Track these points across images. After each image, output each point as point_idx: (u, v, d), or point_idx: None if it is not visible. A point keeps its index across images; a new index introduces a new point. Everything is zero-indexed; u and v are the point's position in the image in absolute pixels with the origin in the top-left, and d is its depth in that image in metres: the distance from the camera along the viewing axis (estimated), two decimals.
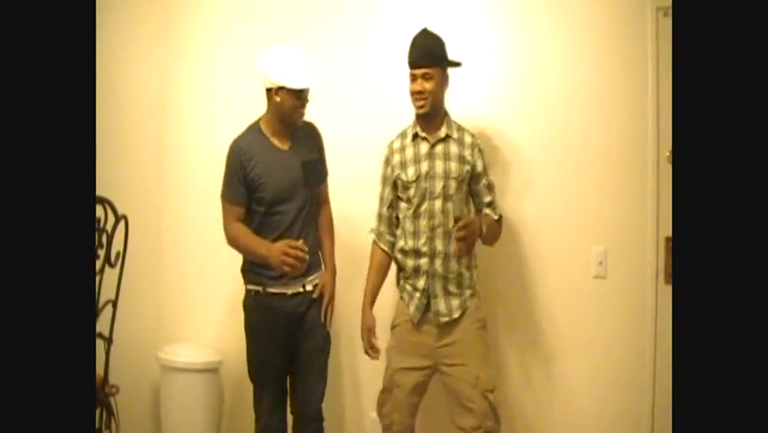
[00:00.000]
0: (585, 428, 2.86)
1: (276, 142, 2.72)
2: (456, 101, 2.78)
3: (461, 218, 2.44)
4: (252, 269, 2.73)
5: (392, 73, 3.02)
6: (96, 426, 2.18)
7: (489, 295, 2.84)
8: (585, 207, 2.88)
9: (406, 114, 2.73)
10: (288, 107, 2.66)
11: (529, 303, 2.94)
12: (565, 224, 2.90)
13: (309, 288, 2.73)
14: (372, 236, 2.76)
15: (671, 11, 2.68)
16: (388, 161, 2.73)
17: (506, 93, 2.99)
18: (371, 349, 2.70)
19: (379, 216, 2.75)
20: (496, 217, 2.65)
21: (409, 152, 2.66)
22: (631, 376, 2.80)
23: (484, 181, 2.66)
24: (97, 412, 2.19)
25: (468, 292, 2.59)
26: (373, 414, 3.12)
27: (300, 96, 2.66)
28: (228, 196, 2.72)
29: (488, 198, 2.67)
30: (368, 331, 2.70)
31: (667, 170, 2.74)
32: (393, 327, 2.68)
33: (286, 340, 2.72)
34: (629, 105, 2.83)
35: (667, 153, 2.75)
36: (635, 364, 2.79)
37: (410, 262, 2.61)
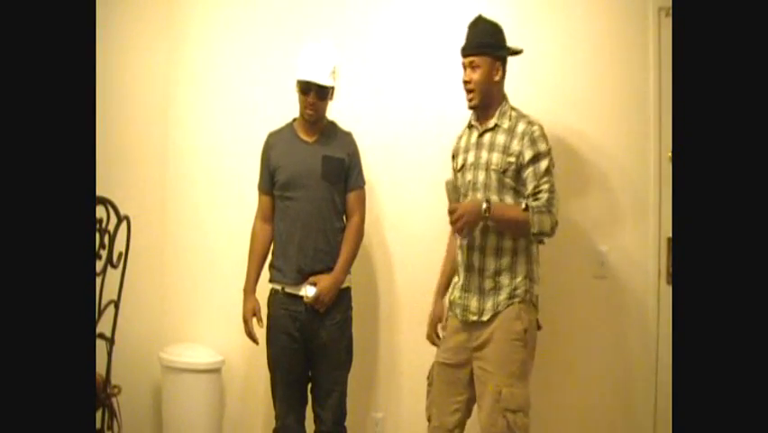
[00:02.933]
0: (586, 429, 2.85)
1: (302, 135, 2.82)
2: (456, 102, 2.78)
3: (452, 211, 2.35)
4: (276, 265, 2.80)
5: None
6: (98, 426, 2.18)
7: None
8: (586, 207, 2.88)
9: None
10: (299, 101, 2.76)
11: None
12: (566, 224, 2.90)
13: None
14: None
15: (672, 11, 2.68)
16: (453, 148, 2.68)
17: (507, 93, 2.99)
18: (431, 338, 2.67)
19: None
20: (522, 207, 2.37)
21: (463, 141, 2.59)
22: (632, 376, 2.80)
23: (530, 169, 2.39)
24: (99, 413, 2.19)
25: (504, 296, 2.40)
26: (376, 414, 3.14)
27: (306, 90, 2.71)
28: (259, 185, 2.89)
29: (529, 187, 2.39)
30: (432, 318, 2.67)
31: (668, 171, 2.75)
32: (444, 320, 2.64)
33: (301, 343, 2.74)
34: (631, 106, 2.83)
35: (669, 154, 2.75)
36: (637, 364, 2.79)
37: (459, 256, 2.53)
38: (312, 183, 2.74)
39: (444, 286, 2.69)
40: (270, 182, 2.82)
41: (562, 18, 2.93)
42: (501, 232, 2.41)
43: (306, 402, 2.83)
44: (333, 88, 2.78)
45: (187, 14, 3.55)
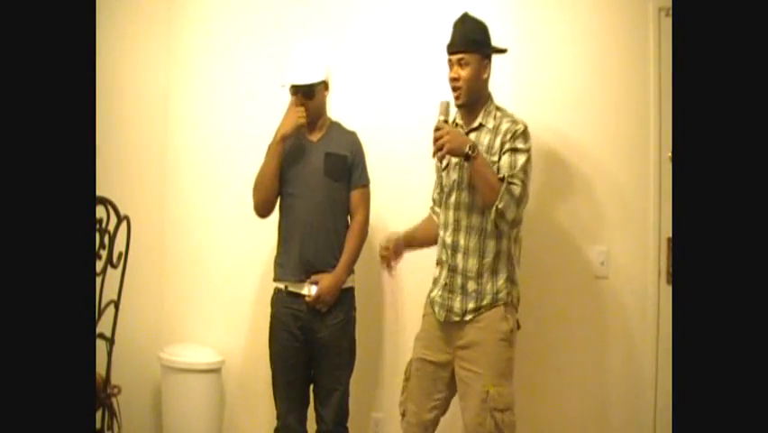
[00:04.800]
0: (586, 429, 2.85)
1: (307, 134, 2.82)
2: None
3: (446, 121, 2.33)
4: (279, 262, 2.80)
5: (401, 69, 3.04)
6: (98, 426, 2.18)
7: None
8: (586, 208, 2.88)
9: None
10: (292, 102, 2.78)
11: (531, 303, 2.93)
12: (567, 224, 2.90)
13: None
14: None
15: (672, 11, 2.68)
16: None
17: (507, 93, 2.98)
18: (388, 265, 2.63)
19: (433, 200, 2.69)
20: (499, 175, 2.33)
21: None
22: (632, 376, 2.80)
23: (508, 158, 2.36)
24: (99, 413, 2.19)
25: (488, 299, 2.41)
26: (376, 414, 3.13)
27: (294, 93, 2.75)
28: None
29: (504, 173, 2.34)
30: (387, 241, 2.62)
31: (669, 171, 2.74)
32: (423, 316, 2.61)
33: (302, 342, 2.74)
34: (631, 106, 2.83)
35: (669, 154, 2.74)
36: (637, 365, 2.79)
37: (441, 254, 2.52)
38: (315, 181, 2.75)
39: (413, 233, 2.67)
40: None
41: (562, 18, 2.93)
42: (484, 234, 2.40)
43: (308, 402, 2.82)
44: (323, 82, 2.78)
45: (186, 14, 3.55)
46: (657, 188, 2.78)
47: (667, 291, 2.73)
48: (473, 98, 2.47)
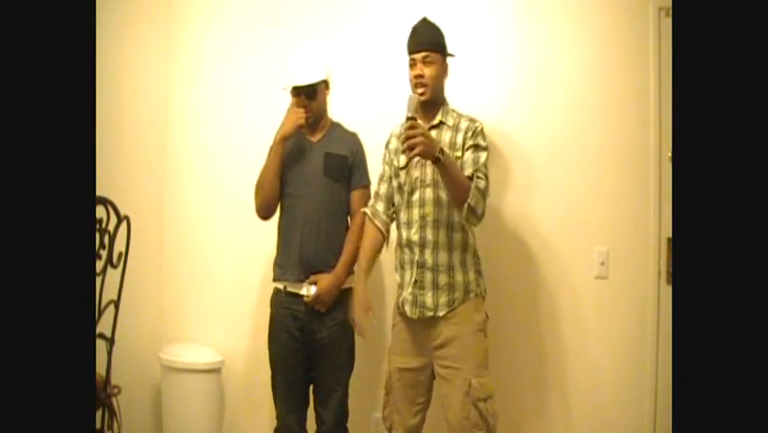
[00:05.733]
0: (586, 429, 2.86)
1: (308, 135, 2.83)
2: (457, 101, 2.78)
3: (414, 118, 2.31)
4: (279, 263, 2.79)
5: (395, 65, 3.03)
6: (98, 426, 2.18)
7: (491, 295, 2.84)
8: (587, 208, 2.88)
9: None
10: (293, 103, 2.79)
11: (531, 303, 2.94)
12: (567, 224, 2.91)
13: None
14: (368, 213, 2.67)
15: (672, 11, 2.68)
16: (387, 145, 2.70)
17: (508, 94, 2.99)
18: (362, 327, 2.61)
19: (376, 195, 2.69)
20: (465, 172, 2.42)
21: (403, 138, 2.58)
22: (633, 377, 2.80)
23: (470, 155, 2.45)
24: (99, 413, 2.19)
25: (459, 292, 2.46)
26: (377, 414, 3.13)
27: (295, 95, 2.75)
28: None
29: (468, 170, 2.43)
30: (362, 303, 2.59)
31: (669, 171, 2.75)
32: (392, 327, 2.66)
33: (302, 342, 2.74)
34: (631, 106, 2.84)
35: (669, 154, 2.75)
36: (637, 365, 2.79)
37: (405, 255, 2.54)
38: (315, 181, 2.75)
39: (368, 269, 2.65)
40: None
41: (562, 19, 2.93)
42: (450, 228, 2.45)
43: (308, 403, 2.82)
44: (324, 82, 2.78)
45: (185, 14, 3.55)
46: (657, 188, 2.78)
47: (667, 291, 2.73)
48: (435, 97, 2.55)
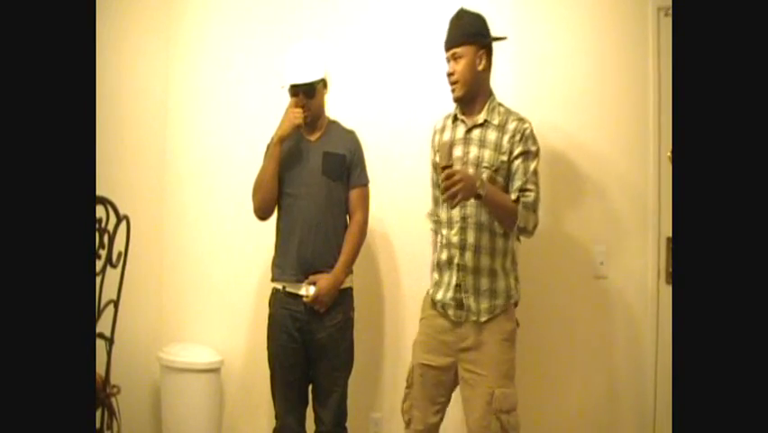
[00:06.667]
0: (587, 428, 2.86)
1: (306, 134, 2.82)
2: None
3: (450, 166, 2.22)
4: (278, 263, 2.79)
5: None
6: (98, 426, 2.18)
7: None
8: (586, 207, 2.89)
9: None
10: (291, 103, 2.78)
11: (530, 303, 2.93)
12: (566, 223, 2.91)
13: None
14: (430, 223, 2.63)
15: (672, 11, 2.68)
16: (432, 142, 2.61)
17: (508, 93, 2.98)
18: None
19: (434, 199, 2.61)
20: (513, 197, 2.34)
21: (447, 135, 2.50)
22: (632, 376, 2.80)
23: (521, 165, 2.36)
24: (99, 412, 2.19)
25: (501, 298, 2.39)
26: (375, 414, 3.14)
27: (293, 93, 2.75)
28: None
29: (518, 183, 2.36)
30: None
31: (668, 170, 2.75)
32: (420, 320, 2.58)
33: (300, 342, 2.74)
34: (630, 106, 2.84)
35: (668, 153, 2.75)
36: (637, 364, 2.80)
37: (443, 255, 2.47)
38: (314, 181, 2.74)
39: None
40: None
41: (562, 18, 2.94)
42: (493, 231, 2.39)
43: (307, 403, 2.82)
44: (323, 81, 2.78)
45: (185, 14, 3.55)
46: (657, 187, 2.79)
47: (667, 291, 2.74)
48: (471, 91, 2.44)
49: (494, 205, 2.31)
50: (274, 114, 2.93)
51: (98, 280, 2.05)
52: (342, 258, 2.74)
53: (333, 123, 2.87)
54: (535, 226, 2.38)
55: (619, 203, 2.84)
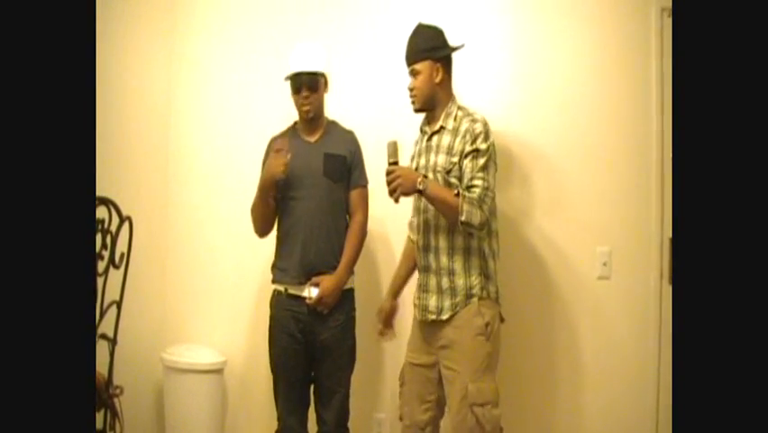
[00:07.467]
0: (589, 429, 2.85)
1: (304, 135, 2.82)
2: (458, 99, 2.78)
3: (395, 163, 2.40)
4: (279, 265, 2.79)
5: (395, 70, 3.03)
6: (100, 427, 2.18)
7: None
8: (589, 208, 2.88)
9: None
10: (294, 103, 2.78)
11: (533, 304, 2.93)
12: (569, 224, 2.90)
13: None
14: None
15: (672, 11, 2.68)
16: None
17: (508, 94, 2.99)
18: (381, 332, 2.81)
19: (409, 225, 2.77)
20: (455, 191, 2.37)
21: (417, 146, 2.65)
22: (635, 377, 2.80)
23: (468, 163, 2.41)
24: (101, 413, 2.20)
25: (461, 296, 2.43)
26: (378, 414, 3.14)
27: (297, 86, 2.75)
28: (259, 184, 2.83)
29: (465, 180, 2.40)
30: (380, 313, 2.79)
31: (670, 171, 2.74)
32: (413, 319, 2.67)
33: (303, 344, 2.73)
34: (633, 107, 2.84)
35: (671, 154, 2.74)
36: (639, 365, 2.79)
37: (418, 258, 2.58)
38: (314, 182, 2.74)
39: (398, 287, 2.80)
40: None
41: (564, 20, 2.93)
42: (452, 231, 2.44)
43: (309, 403, 2.82)
44: (325, 78, 2.78)
45: (188, 14, 3.55)
46: (659, 188, 2.78)
47: (669, 292, 2.73)
48: (429, 103, 2.54)
49: (436, 200, 2.40)
50: (277, 115, 2.93)
51: (101, 281, 2.06)
52: (345, 259, 2.75)
53: (333, 123, 2.87)
54: (482, 224, 2.37)
55: (622, 204, 2.84)
